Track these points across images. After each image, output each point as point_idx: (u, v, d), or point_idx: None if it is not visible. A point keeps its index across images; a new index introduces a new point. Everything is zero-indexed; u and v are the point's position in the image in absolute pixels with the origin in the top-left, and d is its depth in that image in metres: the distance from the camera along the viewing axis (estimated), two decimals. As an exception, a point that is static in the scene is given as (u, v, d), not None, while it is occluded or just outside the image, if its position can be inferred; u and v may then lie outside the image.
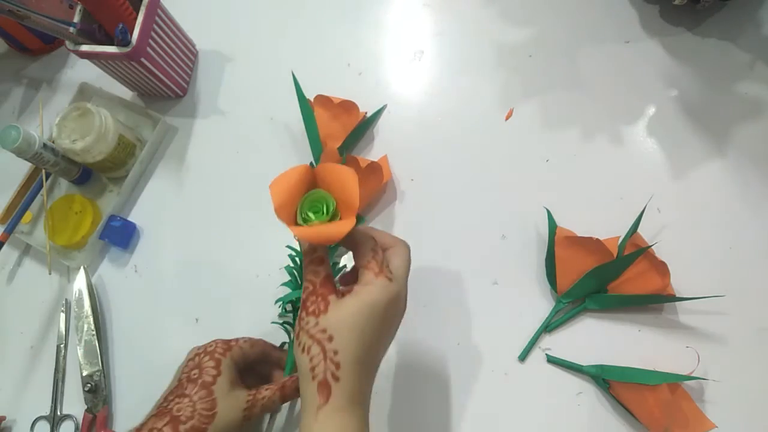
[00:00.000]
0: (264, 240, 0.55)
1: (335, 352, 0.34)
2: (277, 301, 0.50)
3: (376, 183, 0.52)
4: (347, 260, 0.52)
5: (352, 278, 0.37)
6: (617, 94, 0.55)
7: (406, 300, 0.38)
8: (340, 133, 0.53)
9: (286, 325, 0.50)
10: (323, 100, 0.54)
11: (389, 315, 0.36)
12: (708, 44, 0.55)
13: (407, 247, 0.40)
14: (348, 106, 0.53)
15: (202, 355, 0.43)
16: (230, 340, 0.45)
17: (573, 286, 0.47)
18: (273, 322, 0.50)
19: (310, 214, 0.37)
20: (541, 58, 0.57)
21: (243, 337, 0.46)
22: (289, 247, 0.50)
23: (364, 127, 0.53)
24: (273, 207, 0.35)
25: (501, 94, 0.57)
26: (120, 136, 0.56)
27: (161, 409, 0.41)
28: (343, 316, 0.35)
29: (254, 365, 0.47)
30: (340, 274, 0.49)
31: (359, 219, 0.36)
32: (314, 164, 0.54)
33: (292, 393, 0.44)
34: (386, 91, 0.59)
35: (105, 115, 0.54)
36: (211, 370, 0.42)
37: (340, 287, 0.37)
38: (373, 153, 0.57)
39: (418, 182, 0.55)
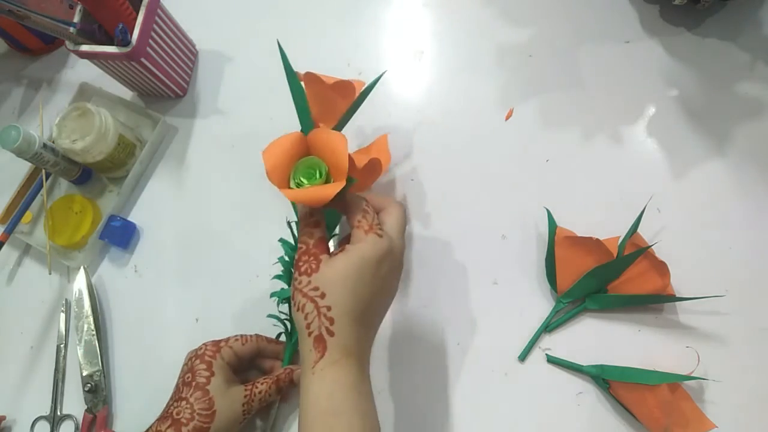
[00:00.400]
0: (264, 240, 0.55)
1: (328, 308, 0.35)
2: (272, 296, 0.50)
3: (376, 173, 0.51)
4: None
5: (347, 243, 0.38)
6: (617, 94, 0.55)
7: (401, 255, 0.39)
8: (334, 114, 0.48)
9: (282, 317, 0.50)
10: (314, 79, 0.48)
11: (382, 269, 0.36)
12: (708, 44, 0.55)
13: (400, 206, 0.41)
14: (342, 88, 0.48)
15: (194, 359, 0.44)
16: (220, 341, 0.46)
17: (573, 286, 0.47)
18: (269, 315, 0.49)
19: (303, 180, 0.38)
20: (542, 58, 0.57)
21: (234, 336, 0.47)
22: (281, 240, 0.50)
23: (360, 101, 0.47)
24: (265, 170, 0.36)
25: (501, 94, 0.57)
26: (120, 136, 0.56)
27: (163, 415, 0.42)
28: (334, 273, 0.35)
29: (252, 360, 0.48)
30: (339, 241, 0.50)
31: (349, 180, 0.37)
32: None
33: (287, 383, 0.46)
34: (386, 91, 0.59)
35: (105, 115, 0.54)
36: (203, 372, 0.43)
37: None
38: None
39: (418, 182, 0.55)
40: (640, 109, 0.54)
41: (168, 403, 0.44)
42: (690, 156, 0.52)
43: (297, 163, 0.38)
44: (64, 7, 0.61)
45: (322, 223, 0.39)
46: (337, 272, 0.35)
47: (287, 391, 0.47)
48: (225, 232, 0.56)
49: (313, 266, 0.36)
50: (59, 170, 0.56)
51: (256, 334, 0.48)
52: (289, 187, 0.38)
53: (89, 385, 0.51)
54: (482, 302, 0.50)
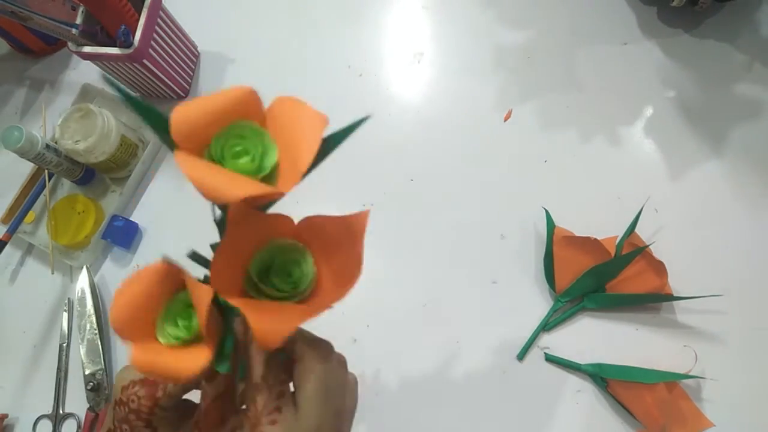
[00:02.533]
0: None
1: None
2: None
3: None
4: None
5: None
6: (615, 95, 0.55)
7: None
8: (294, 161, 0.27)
9: None
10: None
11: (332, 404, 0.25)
12: (706, 46, 0.55)
13: (325, 361, 0.26)
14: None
15: (127, 412, 0.31)
16: (155, 386, 0.30)
17: (571, 285, 0.47)
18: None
19: (173, 331, 0.24)
20: (540, 60, 0.58)
21: None
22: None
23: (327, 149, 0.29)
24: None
25: (500, 96, 0.57)
26: (122, 137, 0.56)
27: None
28: None
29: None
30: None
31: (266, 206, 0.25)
32: None
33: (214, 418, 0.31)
34: (386, 92, 0.59)
35: (107, 116, 0.55)
36: (143, 430, 0.31)
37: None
38: (372, 156, 0.57)
39: (418, 182, 0.55)
40: (638, 110, 0.54)
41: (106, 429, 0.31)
42: (687, 156, 0.52)
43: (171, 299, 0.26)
44: (66, 8, 0.61)
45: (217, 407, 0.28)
46: None
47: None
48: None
49: None
50: (62, 171, 0.57)
51: None
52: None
53: (91, 383, 0.52)
54: (481, 301, 0.50)
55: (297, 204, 0.59)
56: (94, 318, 0.54)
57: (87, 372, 0.52)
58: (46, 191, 0.59)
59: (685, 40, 0.56)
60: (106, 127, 0.54)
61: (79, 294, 0.55)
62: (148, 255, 0.57)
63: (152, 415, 0.30)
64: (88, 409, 0.52)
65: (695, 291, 0.46)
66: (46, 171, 0.59)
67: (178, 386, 0.30)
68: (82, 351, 0.53)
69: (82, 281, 0.55)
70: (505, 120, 0.56)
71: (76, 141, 0.54)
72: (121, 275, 0.57)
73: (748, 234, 0.49)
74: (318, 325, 0.25)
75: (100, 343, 0.53)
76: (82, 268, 0.56)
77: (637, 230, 0.48)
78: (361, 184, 0.56)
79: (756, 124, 0.52)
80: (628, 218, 0.48)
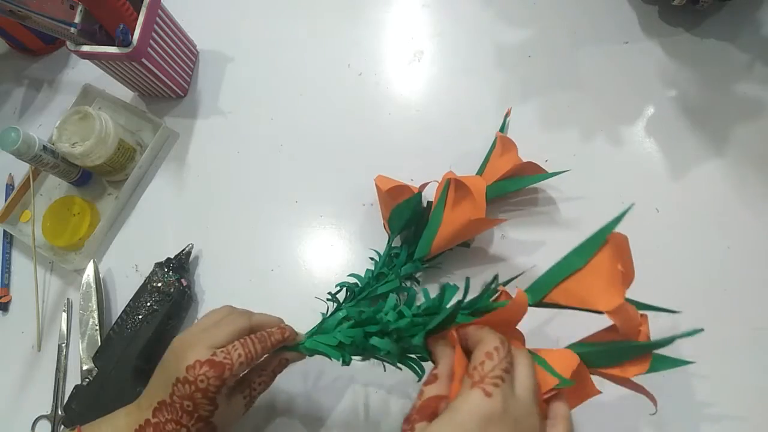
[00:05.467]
0: (266, 241, 0.55)
1: None
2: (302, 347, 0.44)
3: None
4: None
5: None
6: (616, 95, 0.55)
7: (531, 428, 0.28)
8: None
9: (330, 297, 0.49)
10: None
11: None
12: (707, 45, 0.55)
13: (526, 353, 0.32)
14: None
15: (192, 390, 0.36)
16: (223, 367, 0.36)
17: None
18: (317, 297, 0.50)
19: None
20: (541, 59, 0.58)
21: (237, 351, 0.37)
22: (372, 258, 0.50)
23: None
24: None
25: (500, 95, 0.57)
26: (120, 141, 0.56)
27: (157, 425, 0.37)
28: None
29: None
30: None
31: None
32: None
33: (280, 368, 0.43)
34: (386, 91, 0.59)
35: (105, 120, 0.55)
36: (206, 407, 0.36)
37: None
38: (373, 155, 0.57)
39: (418, 182, 0.55)
40: (638, 110, 0.54)
41: (157, 407, 0.37)
42: (688, 156, 0.52)
43: None
44: (65, 7, 0.61)
45: (445, 378, 0.31)
46: None
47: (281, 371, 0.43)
48: (225, 232, 0.57)
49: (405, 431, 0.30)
50: (58, 172, 0.57)
51: (258, 339, 0.40)
52: None
53: (87, 379, 0.51)
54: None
55: (296, 204, 0.59)
56: (96, 314, 0.53)
57: (84, 368, 0.52)
58: (30, 191, 0.59)
59: (686, 40, 0.56)
60: (103, 131, 0.54)
61: (84, 288, 0.54)
62: (148, 255, 0.57)
63: (218, 393, 0.36)
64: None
65: (695, 290, 0.46)
66: (31, 173, 0.59)
67: (242, 367, 0.37)
68: (82, 346, 0.52)
69: (89, 275, 0.55)
70: (506, 116, 0.55)
71: (74, 144, 0.53)
72: (120, 275, 0.57)
73: (749, 233, 0.49)
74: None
75: (99, 339, 0.53)
76: (80, 269, 0.55)
77: (636, 231, 0.47)
78: (360, 184, 0.55)
79: (757, 123, 0.52)
80: (628, 217, 0.48)
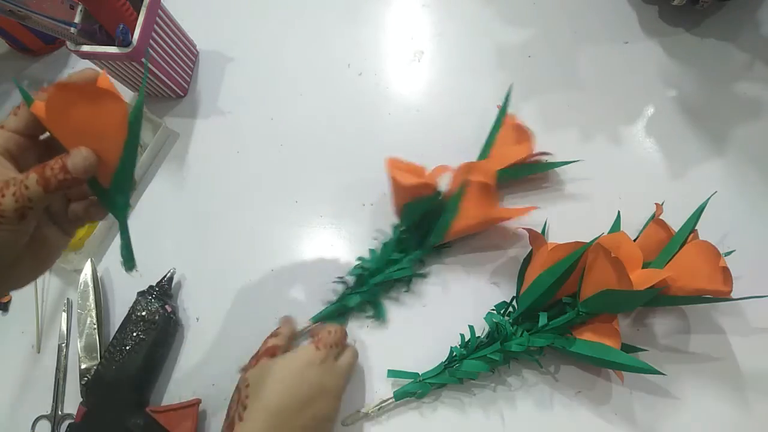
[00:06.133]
0: (266, 242, 0.55)
1: (247, 396, 0.40)
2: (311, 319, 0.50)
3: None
4: None
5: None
6: (616, 95, 0.55)
7: (336, 389, 0.42)
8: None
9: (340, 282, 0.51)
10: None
11: (308, 374, 0.40)
12: (707, 44, 0.55)
13: (355, 353, 0.46)
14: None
15: None
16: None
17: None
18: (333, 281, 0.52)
19: None
20: (541, 58, 0.58)
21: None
22: (360, 259, 0.51)
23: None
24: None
25: (501, 95, 0.56)
26: (120, 138, 0.56)
27: None
28: (262, 370, 0.41)
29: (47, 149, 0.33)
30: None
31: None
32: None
33: (54, 174, 0.29)
34: (386, 91, 0.59)
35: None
36: None
37: None
38: (373, 155, 0.57)
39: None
40: (639, 110, 0.54)
41: None
42: (689, 156, 0.52)
43: None
44: (64, 7, 0.61)
45: (285, 342, 0.45)
46: (264, 369, 0.41)
47: (64, 189, 0.30)
48: (224, 232, 0.57)
49: (252, 364, 0.43)
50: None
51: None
52: None
53: (86, 378, 0.51)
54: (482, 302, 0.50)
55: (296, 204, 0.59)
56: (94, 313, 0.53)
57: (83, 366, 0.52)
58: None
59: (686, 39, 0.56)
60: (104, 128, 0.54)
61: (82, 287, 0.54)
62: (148, 255, 0.57)
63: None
64: (81, 403, 0.51)
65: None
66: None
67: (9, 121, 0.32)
68: (80, 345, 0.52)
69: (86, 274, 0.55)
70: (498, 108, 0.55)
71: (75, 141, 0.53)
72: (119, 275, 0.57)
73: (750, 233, 0.49)
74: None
75: (97, 338, 0.52)
76: (78, 269, 0.55)
77: (637, 230, 0.47)
78: (360, 183, 0.55)
79: (757, 123, 0.52)
80: (629, 218, 0.48)
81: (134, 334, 0.50)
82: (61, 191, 0.30)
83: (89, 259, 0.55)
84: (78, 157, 0.29)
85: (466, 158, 0.55)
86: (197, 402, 0.48)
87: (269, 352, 0.43)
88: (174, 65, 0.59)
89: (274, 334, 0.46)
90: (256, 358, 0.43)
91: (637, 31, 0.57)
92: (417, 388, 0.46)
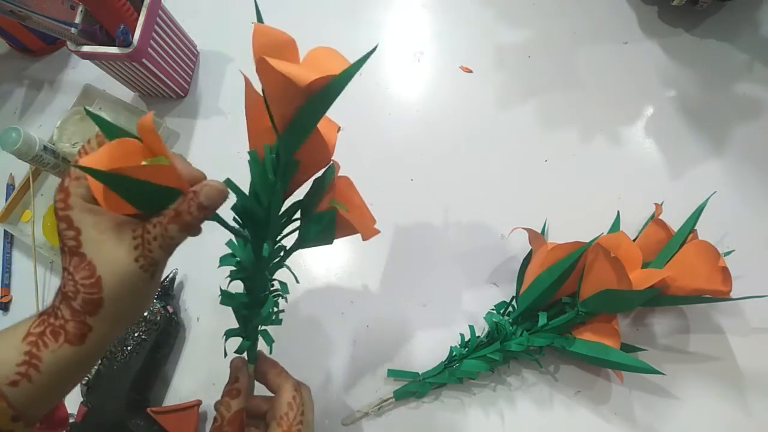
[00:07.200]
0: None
1: None
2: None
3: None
4: None
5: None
6: (616, 95, 0.55)
7: None
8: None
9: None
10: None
11: None
12: (706, 45, 0.55)
13: (305, 390, 0.39)
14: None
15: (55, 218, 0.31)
16: (63, 178, 0.32)
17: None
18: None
19: None
20: (540, 59, 0.58)
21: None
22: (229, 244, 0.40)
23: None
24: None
25: (500, 95, 0.57)
26: (121, 138, 0.56)
27: (59, 287, 0.32)
28: None
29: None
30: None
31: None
32: None
33: (195, 215, 0.31)
34: (386, 91, 0.59)
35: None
36: (67, 233, 0.30)
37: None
38: (372, 155, 0.57)
39: (418, 182, 0.55)
40: (638, 110, 0.54)
41: None
42: (688, 156, 0.52)
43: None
44: (65, 7, 0.61)
45: (244, 392, 0.38)
46: None
47: (196, 226, 0.32)
48: (226, 233, 0.56)
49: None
50: (59, 172, 0.57)
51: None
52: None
53: (87, 377, 0.51)
54: (481, 302, 0.50)
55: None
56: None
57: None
58: (30, 191, 0.59)
59: (685, 40, 0.56)
60: (104, 129, 0.54)
61: None
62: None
63: (69, 209, 0.31)
64: (82, 403, 0.51)
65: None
66: (30, 173, 0.59)
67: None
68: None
69: None
70: (465, 70, 0.54)
71: (74, 144, 0.54)
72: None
73: (750, 233, 0.49)
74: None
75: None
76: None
77: (637, 230, 0.48)
78: (360, 183, 0.55)
79: (757, 123, 0.52)
80: (629, 217, 0.48)
81: (136, 334, 0.50)
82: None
83: None
84: (212, 191, 0.32)
85: (465, 158, 0.55)
86: (198, 403, 0.48)
87: (235, 423, 0.37)
88: (174, 65, 0.59)
89: (234, 394, 0.38)
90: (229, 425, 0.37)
91: (637, 31, 0.57)
92: (417, 388, 0.46)
